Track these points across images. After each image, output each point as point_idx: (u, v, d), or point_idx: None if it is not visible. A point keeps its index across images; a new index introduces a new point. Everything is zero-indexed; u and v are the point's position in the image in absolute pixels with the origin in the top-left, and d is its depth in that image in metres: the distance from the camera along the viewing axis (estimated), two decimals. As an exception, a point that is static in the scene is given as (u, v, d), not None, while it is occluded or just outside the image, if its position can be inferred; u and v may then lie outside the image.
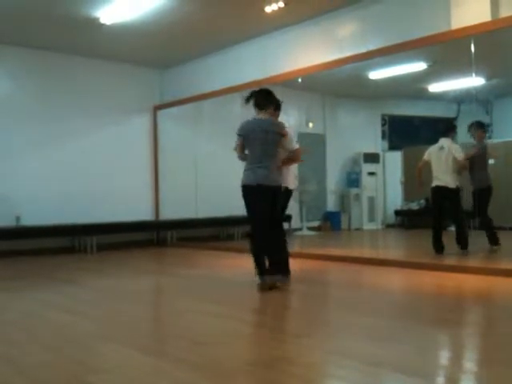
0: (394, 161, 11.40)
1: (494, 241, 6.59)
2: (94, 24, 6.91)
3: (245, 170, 4.69)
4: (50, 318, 3.86)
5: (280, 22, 6.99)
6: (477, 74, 6.59)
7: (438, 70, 8.50)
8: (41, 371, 2.64)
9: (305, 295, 4.70)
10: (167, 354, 2.87)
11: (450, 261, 6.23)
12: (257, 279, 4.64)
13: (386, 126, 11.81)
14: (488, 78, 8.58)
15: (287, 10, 6.46)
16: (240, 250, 7.37)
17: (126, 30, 7.23)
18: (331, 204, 11.54)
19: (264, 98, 4.79)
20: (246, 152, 4.75)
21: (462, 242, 6.46)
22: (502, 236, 6.73)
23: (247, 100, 4.79)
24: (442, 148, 6.55)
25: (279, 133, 4.71)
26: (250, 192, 4.62)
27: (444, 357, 2.90)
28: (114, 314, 3.99)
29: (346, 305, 4.24)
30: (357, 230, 11.30)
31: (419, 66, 8.18)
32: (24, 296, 4.74)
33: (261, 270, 4.63)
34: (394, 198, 11.32)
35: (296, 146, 4.93)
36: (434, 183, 6.57)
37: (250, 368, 2.65)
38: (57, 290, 5.02)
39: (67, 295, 4.73)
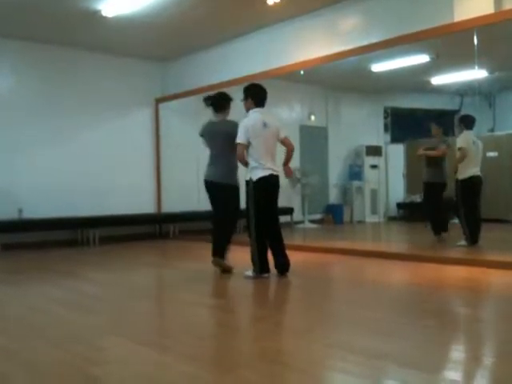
0: (397, 154, 11.37)
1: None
2: (96, 17, 6.89)
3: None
4: (53, 311, 3.87)
5: (282, 15, 6.96)
6: (480, 67, 6.57)
7: (440, 62, 8.46)
8: (44, 365, 2.66)
9: (307, 288, 4.71)
10: (170, 348, 2.88)
11: (452, 253, 6.23)
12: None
13: (389, 119, 11.78)
14: (491, 71, 8.55)
15: (289, 3, 6.43)
16: (242, 243, 7.36)
17: (127, 23, 7.21)
18: (333, 197, 11.54)
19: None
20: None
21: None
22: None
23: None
24: (474, 142, 6.72)
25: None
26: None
27: (446, 350, 2.91)
28: (116, 308, 4.00)
29: (347, 298, 4.25)
30: (359, 222, 11.30)
31: (422, 59, 8.14)
32: (27, 290, 4.75)
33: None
34: (397, 190, 11.32)
35: None
36: (477, 173, 6.66)
37: (251, 361, 2.66)
38: (60, 283, 5.03)
39: (70, 289, 4.75)
